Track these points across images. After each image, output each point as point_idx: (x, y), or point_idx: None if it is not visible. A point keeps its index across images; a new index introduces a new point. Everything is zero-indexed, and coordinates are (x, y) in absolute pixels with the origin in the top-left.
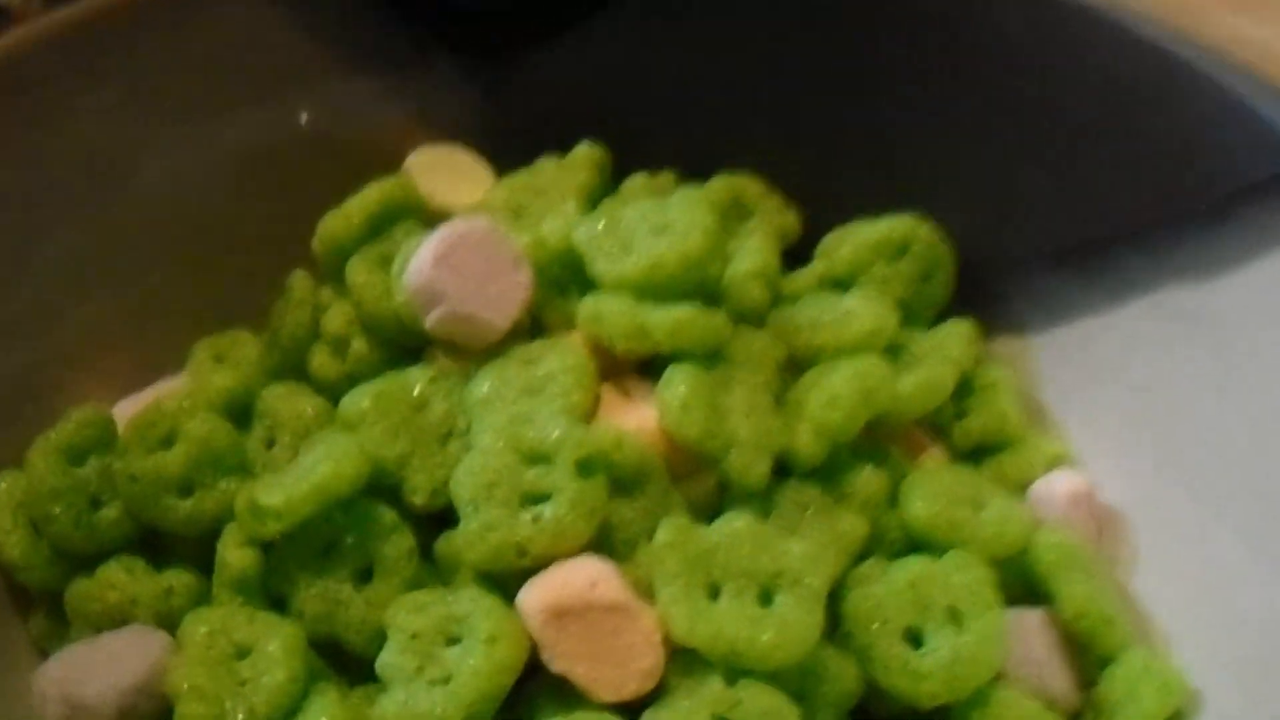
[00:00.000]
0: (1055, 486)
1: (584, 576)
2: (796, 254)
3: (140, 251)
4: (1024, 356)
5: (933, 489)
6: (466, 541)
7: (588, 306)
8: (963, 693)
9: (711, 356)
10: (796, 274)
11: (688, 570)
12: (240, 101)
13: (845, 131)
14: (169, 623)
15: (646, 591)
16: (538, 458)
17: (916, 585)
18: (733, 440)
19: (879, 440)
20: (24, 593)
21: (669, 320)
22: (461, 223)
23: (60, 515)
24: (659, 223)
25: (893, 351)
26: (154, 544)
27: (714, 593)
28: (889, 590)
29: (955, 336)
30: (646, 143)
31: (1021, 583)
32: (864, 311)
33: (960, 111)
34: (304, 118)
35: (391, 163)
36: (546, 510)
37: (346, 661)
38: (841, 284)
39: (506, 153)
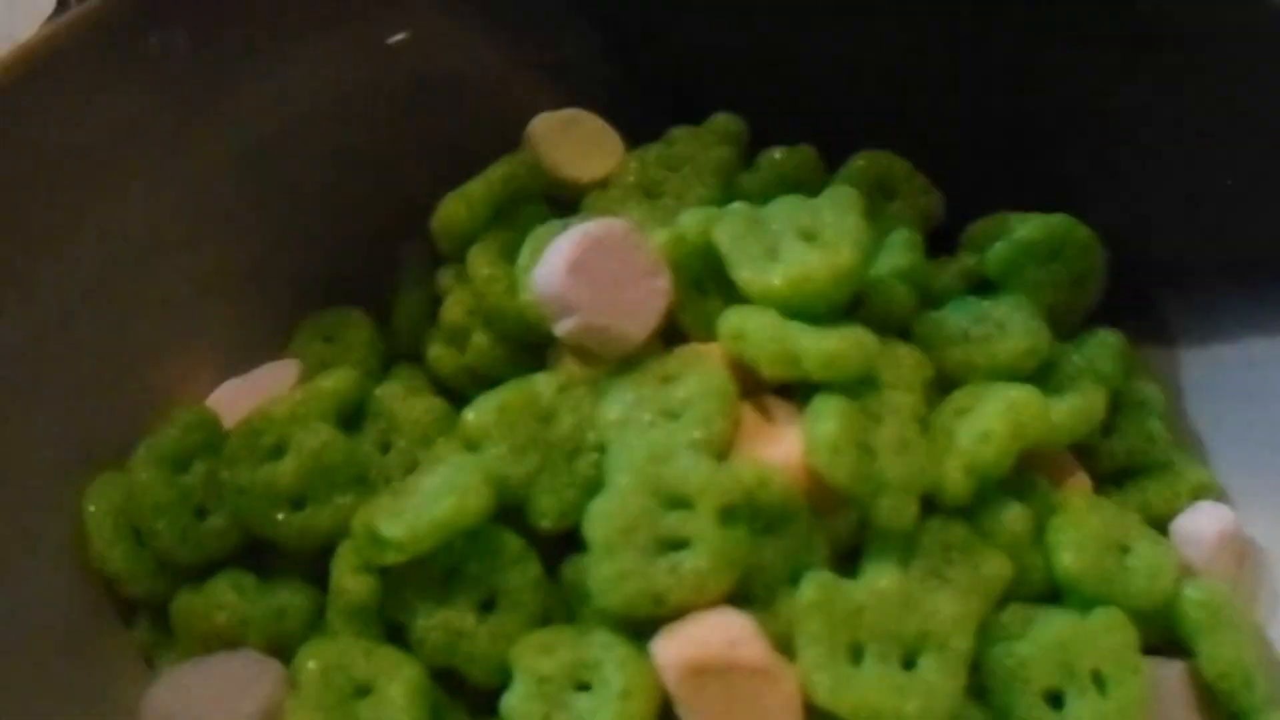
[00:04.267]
0: (1203, 526)
1: (724, 635)
2: (936, 237)
3: (232, 215)
4: (1172, 370)
5: (1082, 537)
6: (599, 587)
7: (731, 322)
8: None
9: (861, 382)
10: (939, 265)
11: (832, 632)
12: (342, 48)
13: (997, 109)
14: (280, 645)
15: (786, 644)
16: (677, 501)
17: (1064, 646)
18: (882, 482)
19: (1025, 470)
20: (127, 600)
21: (822, 350)
22: (597, 225)
23: (165, 529)
24: (807, 227)
25: (1044, 370)
26: (262, 552)
27: (857, 654)
28: (1034, 650)
29: (1106, 350)
30: (782, 113)
31: (1160, 629)
32: (1017, 327)
33: (1138, 100)
34: (414, 61)
35: (509, 117)
36: (686, 560)
37: (465, 688)
38: (988, 283)
39: (630, 117)
